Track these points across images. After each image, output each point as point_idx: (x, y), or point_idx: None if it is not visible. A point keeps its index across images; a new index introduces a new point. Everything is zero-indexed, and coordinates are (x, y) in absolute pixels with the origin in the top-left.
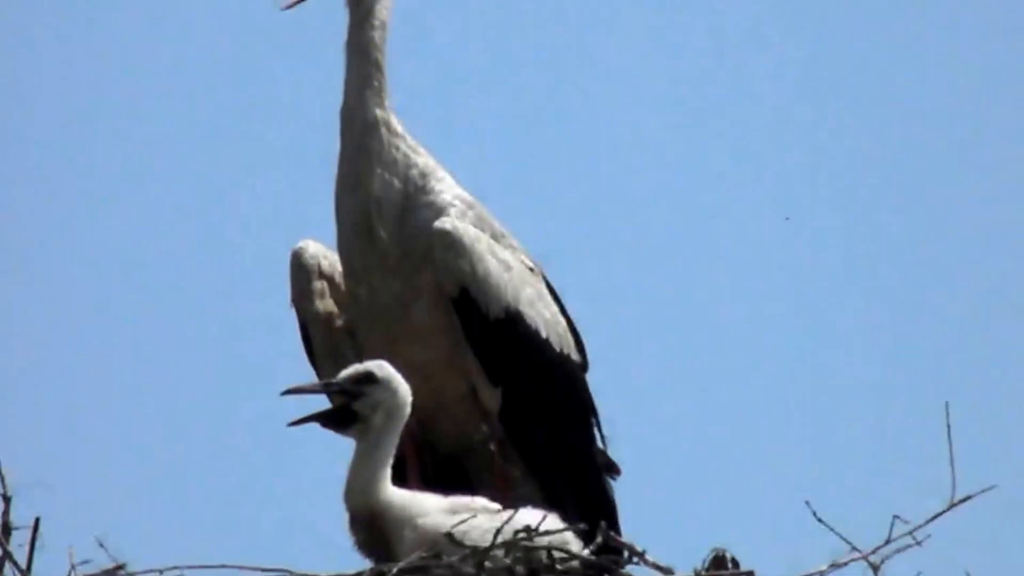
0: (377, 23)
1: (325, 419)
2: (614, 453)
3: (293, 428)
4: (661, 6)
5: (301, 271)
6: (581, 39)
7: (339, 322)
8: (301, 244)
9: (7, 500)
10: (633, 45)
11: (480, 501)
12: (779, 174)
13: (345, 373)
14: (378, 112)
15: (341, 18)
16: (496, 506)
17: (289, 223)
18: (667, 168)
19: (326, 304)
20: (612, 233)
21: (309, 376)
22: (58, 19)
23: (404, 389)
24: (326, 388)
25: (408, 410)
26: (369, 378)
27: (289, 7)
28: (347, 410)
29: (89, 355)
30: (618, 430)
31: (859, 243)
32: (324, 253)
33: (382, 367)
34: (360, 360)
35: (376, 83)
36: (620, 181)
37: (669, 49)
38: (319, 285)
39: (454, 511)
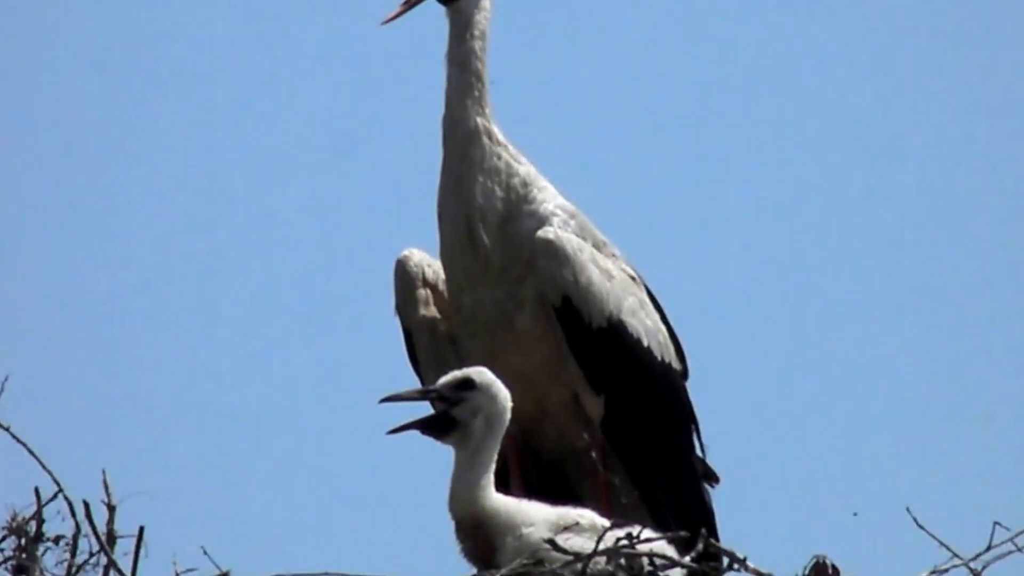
0: (477, 33)
1: (424, 426)
2: (713, 461)
3: (394, 435)
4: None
5: (405, 279)
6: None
7: (443, 329)
8: (405, 252)
9: (111, 509)
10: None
11: (589, 514)
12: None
13: (444, 380)
14: (479, 121)
15: (442, 28)
16: (605, 521)
17: (392, 231)
18: (782, 175)
19: (430, 312)
20: (712, 239)
21: (413, 383)
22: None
23: (504, 395)
24: (425, 395)
25: (508, 416)
26: (468, 384)
27: (389, 21)
28: (447, 417)
29: (190, 363)
30: (717, 437)
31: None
32: (428, 261)
33: (481, 373)
34: (463, 367)
35: (477, 92)
36: (726, 188)
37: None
38: (423, 293)
39: (561, 523)
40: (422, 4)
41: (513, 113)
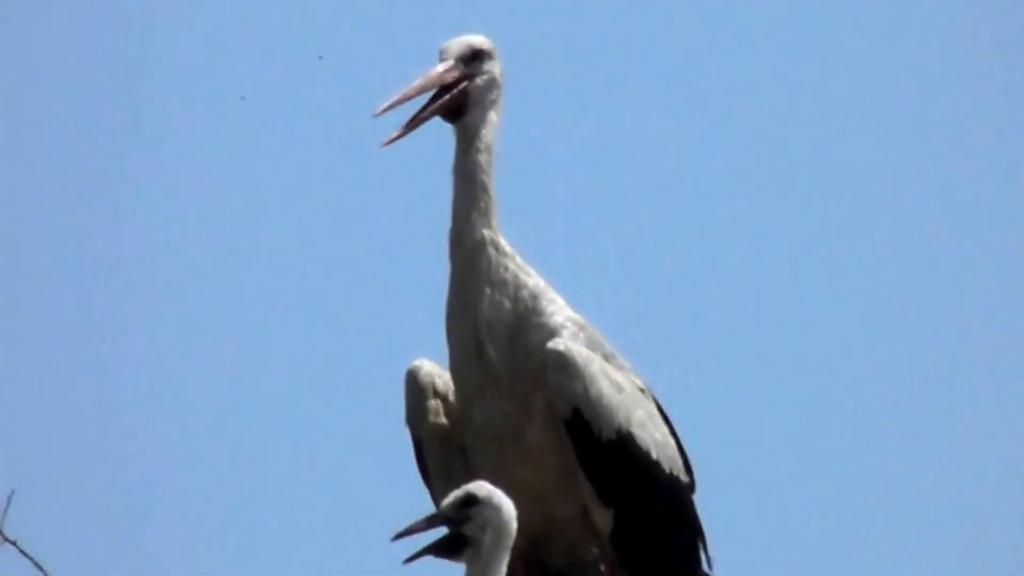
0: (482, 146)
1: (438, 550)
2: (718, 574)
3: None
4: None
5: (416, 390)
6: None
7: (453, 440)
8: (416, 363)
9: None
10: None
11: None
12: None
13: (446, 502)
14: (486, 233)
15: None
16: None
17: (402, 343)
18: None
19: (440, 423)
20: (716, 350)
21: (422, 494)
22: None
23: (508, 503)
24: (432, 523)
25: (515, 524)
26: (471, 501)
27: (390, 143)
28: (458, 536)
29: (198, 479)
30: (722, 552)
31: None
32: (438, 372)
33: (481, 486)
34: (473, 479)
35: (483, 204)
36: (732, 297)
37: None
38: (434, 404)
39: None
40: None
41: (522, 225)
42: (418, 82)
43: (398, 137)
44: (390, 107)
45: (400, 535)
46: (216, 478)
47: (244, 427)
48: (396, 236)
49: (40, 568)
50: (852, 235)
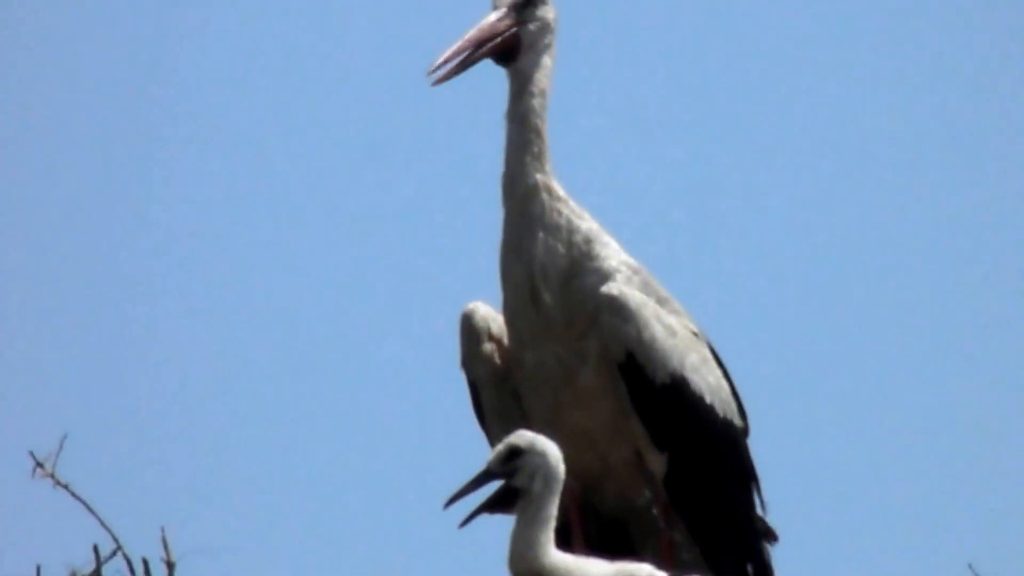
0: (536, 91)
1: (492, 507)
2: (772, 519)
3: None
4: None
5: (471, 333)
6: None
7: (509, 383)
8: (471, 306)
9: (171, 567)
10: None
11: (646, 568)
12: None
13: (492, 458)
14: (539, 177)
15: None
16: (662, 574)
17: (457, 288)
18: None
19: (495, 366)
20: (772, 295)
21: (478, 436)
22: None
23: (552, 447)
24: (481, 482)
25: (563, 467)
26: (515, 452)
27: (440, 82)
28: (509, 490)
29: (250, 422)
30: (776, 495)
31: None
32: (493, 315)
33: (522, 436)
34: (527, 422)
35: (536, 149)
36: (790, 243)
37: None
38: (489, 347)
39: None
40: (480, 65)
41: (575, 169)
42: (471, 34)
43: (448, 76)
44: (445, 62)
45: (452, 500)
46: (267, 427)
47: (296, 373)
48: (451, 181)
49: (92, 511)
50: (923, 178)
